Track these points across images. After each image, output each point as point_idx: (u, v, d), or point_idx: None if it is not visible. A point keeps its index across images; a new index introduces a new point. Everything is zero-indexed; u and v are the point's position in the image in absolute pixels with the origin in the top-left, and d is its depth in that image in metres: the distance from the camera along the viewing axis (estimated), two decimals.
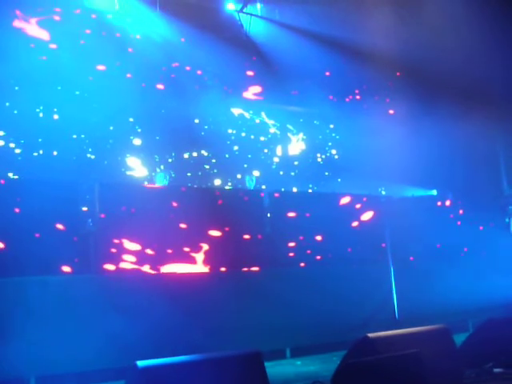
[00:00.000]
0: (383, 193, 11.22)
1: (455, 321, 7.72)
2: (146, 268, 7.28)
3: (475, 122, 10.03)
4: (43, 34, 8.61)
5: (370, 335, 4.34)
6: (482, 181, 10.82)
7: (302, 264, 8.51)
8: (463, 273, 8.88)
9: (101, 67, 8.92)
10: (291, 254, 8.50)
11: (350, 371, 3.97)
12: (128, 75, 9.18)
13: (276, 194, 8.98)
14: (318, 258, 8.65)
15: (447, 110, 10.61)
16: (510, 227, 8.61)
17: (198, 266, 7.69)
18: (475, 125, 10.07)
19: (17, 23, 8.45)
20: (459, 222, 10.05)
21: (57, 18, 8.68)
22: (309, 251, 8.63)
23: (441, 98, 10.84)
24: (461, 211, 10.16)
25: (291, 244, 8.55)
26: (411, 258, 9.23)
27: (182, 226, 7.71)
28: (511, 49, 9.82)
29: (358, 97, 11.65)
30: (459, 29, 9.60)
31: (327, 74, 10.92)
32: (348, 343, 4.64)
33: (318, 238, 8.77)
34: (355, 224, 8.95)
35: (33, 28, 8.57)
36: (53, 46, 8.60)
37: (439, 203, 10.57)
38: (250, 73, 10.58)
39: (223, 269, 7.81)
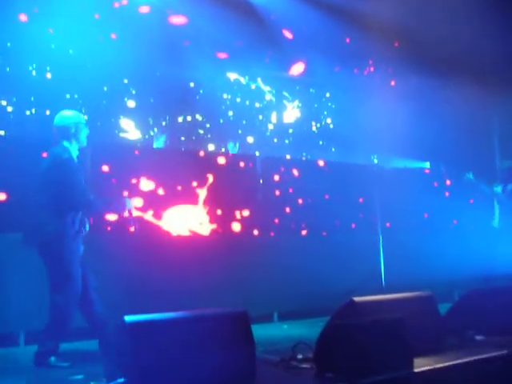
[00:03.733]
0: (375, 161, 11.24)
1: (441, 291, 7.84)
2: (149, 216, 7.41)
3: (471, 94, 10.00)
4: None
5: (356, 299, 4.38)
6: (475, 153, 10.84)
7: (292, 231, 8.57)
8: (451, 244, 8.98)
9: (96, 28, 8.75)
10: (282, 221, 8.55)
11: (335, 333, 4.04)
12: (120, 36, 9.02)
13: (269, 161, 8.99)
14: (309, 225, 8.71)
15: (445, 82, 10.57)
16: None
17: (199, 205, 7.93)
18: (471, 97, 10.05)
19: None
20: (447, 193, 10.14)
21: None
22: (299, 219, 8.69)
23: (439, 70, 10.78)
24: (448, 182, 10.25)
25: (282, 211, 8.59)
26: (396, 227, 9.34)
27: (175, 185, 7.91)
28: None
29: (356, 66, 11.54)
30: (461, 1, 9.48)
31: (327, 42, 10.77)
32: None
33: (309, 206, 8.82)
34: (346, 193, 8.98)
35: None
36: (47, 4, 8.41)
37: (431, 175, 10.62)
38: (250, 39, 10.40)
39: (219, 212, 8.00)
